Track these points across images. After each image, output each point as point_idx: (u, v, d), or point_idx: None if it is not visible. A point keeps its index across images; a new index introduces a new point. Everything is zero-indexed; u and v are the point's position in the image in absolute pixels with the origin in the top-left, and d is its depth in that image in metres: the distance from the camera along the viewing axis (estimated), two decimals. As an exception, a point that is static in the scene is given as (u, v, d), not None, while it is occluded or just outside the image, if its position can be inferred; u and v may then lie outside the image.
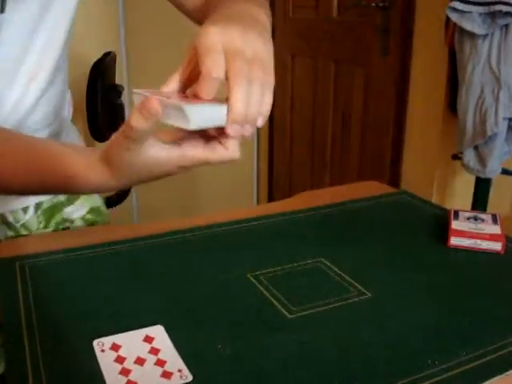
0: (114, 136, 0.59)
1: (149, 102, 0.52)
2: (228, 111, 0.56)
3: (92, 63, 1.92)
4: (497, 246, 0.92)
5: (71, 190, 0.67)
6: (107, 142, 0.60)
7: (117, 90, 2.01)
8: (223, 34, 0.54)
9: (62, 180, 0.65)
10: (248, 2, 0.71)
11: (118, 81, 2.13)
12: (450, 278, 0.84)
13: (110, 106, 1.96)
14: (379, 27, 2.42)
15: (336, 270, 0.84)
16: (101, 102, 1.91)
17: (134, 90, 0.57)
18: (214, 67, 0.53)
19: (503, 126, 1.89)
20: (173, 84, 0.61)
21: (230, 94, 0.55)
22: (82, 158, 0.64)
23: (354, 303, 0.75)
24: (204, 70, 0.53)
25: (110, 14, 2.49)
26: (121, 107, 2.01)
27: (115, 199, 2.12)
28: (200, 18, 0.86)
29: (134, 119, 0.54)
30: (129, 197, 2.17)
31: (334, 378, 0.60)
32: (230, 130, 0.56)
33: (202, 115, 0.56)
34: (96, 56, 1.96)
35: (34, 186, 0.68)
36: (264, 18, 0.68)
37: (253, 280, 0.81)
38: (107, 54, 2.00)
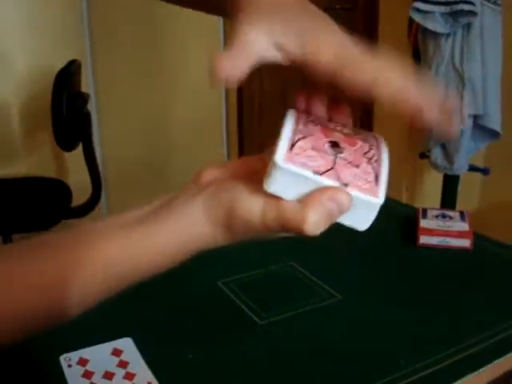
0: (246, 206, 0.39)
1: (339, 194, 0.37)
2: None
3: (56, 72, 1.89)
4: (465, 243, 0.93)
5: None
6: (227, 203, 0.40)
7: (83, 98, 1.98)
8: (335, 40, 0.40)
9: None
10: None
11: (84, 89, 2.10)
12: (421, 277, 0.84)
13: (76, 115, 1.93)
14: (344, 29, 2.44)
15: (306, 273, 0.84)
16: (66, 111, 1.87)
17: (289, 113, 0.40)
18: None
19: (469, 123, 1.91)
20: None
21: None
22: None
23: (325, 306, 0.75)
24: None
25: (74, 22, 2.46)
26: (87, 115, 1.98)
27: (84, 208, 2.09)
28: None
29: (312, 223, 0.37)
30: (99, 204, 2.15)
31: (306, 383, 0.60)
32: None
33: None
34: (60, 65, 1.92)
35: None
36: None
37: (223, 287, 0.80)
38: (72, 62, 1.97)
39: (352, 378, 0.61)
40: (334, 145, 0.40)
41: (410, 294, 0.79)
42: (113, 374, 0.61)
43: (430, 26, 1.89)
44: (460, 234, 0.93)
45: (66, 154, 2.35)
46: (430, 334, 0.69)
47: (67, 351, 0.64)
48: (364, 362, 0.64)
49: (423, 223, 0.97)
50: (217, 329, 0.70)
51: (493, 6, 1.87)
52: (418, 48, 2.01)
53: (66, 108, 1.88)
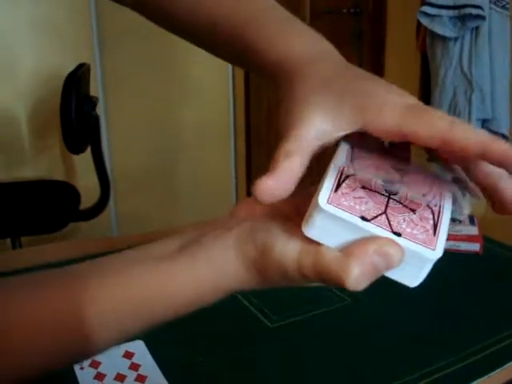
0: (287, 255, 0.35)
1: (388, 247, 0.32)
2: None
3: (66, 75, 1.90)
4: (475, 247, 0.93)
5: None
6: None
7: (91, 102, 1.99)
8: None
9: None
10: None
11: (92, 92, 2.11)
12: (430, 281, 0.84)
13: (84, 118, 1.94)
14: (352, 34, 2.44)
15: (316, 276, 0.84)
16: (75, 114, 1.88)
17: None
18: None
19: (477, 127, 1.91)
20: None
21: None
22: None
23: (336, 310, 0.75)
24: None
25: (83, 26, 2.47)
26: (96, 119, 1.99)
27: (93, 211, 2.09)
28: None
29: (355, 278, 0.33)
30: (107, 207, 2.15)
31: (318, 387, 0.60)
32: None
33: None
34: (70, 68, 1.93)
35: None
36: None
37: (233, 290, 0.80)
38: (81, 66, 1.98)
39: (360, 381, 0.61)
40: (389, 183, 0.35)
41: (419, 298, 0.79)
42: (124, 377, 0.61)
43: (438, 29, 1.89)
44: (469, 238, 0.93)
45: (75, 157, 2.36)
46: (438, 339, 0.69)
47: (79, 353, 0.64)
48: (373, 365, 0.64)
49: (432, 227, 0.97)
50: (228, 332, 0.70)
51: (501, 10, 1.87)
52: (426, 52, 2.01)
53: (75, 111, 1.89)
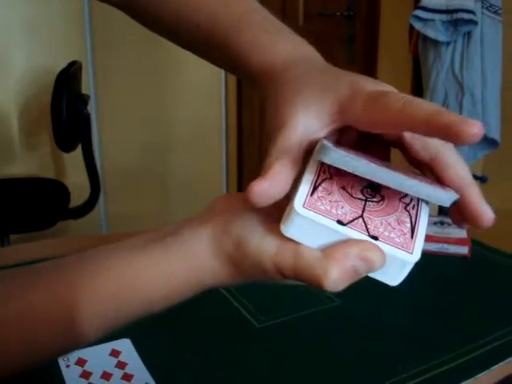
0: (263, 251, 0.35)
1: (370, 252, 0.33)
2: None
3: (57, 73, 1.89)
4: (464, 250, 0.93)
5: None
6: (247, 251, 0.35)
7: (83, 100, 1.98)
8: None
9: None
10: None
11: (84, 90, 2.11)
12: (419, 283, 0.84)
13: (75, 116, 1.93)
14: (345, 36, 2.45)
15: (305, 277, 0.84)
16: (66, 112, 1.88)
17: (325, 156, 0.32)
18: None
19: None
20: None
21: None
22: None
23: (324, 311, 0.75)
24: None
25: (75, 24, 2.46)
26: (87, 117, 1.98)
27: (82, 209, 2.09)
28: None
29: (333, 280, 0.32)
30: (96, 205, 2.14)
31: (304, 387, 0.60)
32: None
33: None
34: (61, 66, 1.93)
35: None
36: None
37: (221, 289, 0.80)
38: (72, 64, 1.98)
39: (350, 382, 0.61)
40: (366, 186, 0.35)
41: (408, 300, 0.79)
42: (111, 375, 0.61)
43: (430, 34, 1.90)
44: (458, 241, 0.94)
45: (65, 155, 2.36)
46: (428, 339, 0.69)
47: (65, 351, 0.64)
48: (362, 366, 0.64)
49: (422, 230, 0.97)
50: (215, 331, 0.70)
51: (493, 16, 1.88)
52: (418, 56, 2.02)
53: (66, 109, 1.88)
